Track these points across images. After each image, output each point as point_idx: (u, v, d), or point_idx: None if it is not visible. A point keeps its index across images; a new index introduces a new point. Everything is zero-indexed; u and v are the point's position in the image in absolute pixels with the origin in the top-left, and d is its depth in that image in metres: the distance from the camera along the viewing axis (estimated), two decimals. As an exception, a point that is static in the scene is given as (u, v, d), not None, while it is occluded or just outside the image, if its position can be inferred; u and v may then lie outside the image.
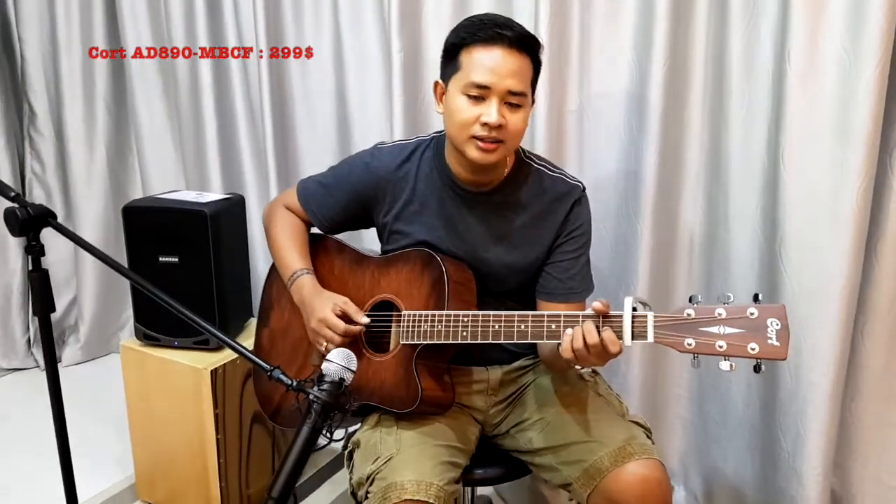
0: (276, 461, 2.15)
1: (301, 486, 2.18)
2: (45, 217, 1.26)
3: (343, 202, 1.54)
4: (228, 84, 2.44)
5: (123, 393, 2.04)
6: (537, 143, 1.86)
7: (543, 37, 1.76)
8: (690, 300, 1.17)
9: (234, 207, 2.04)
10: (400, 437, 1.39)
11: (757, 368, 1.12)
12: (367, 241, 1.89)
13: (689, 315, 1.15)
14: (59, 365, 2.74)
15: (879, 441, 1.73)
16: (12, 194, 1.29)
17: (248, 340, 1.78)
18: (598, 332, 1.19)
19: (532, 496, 2.06)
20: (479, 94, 1.30)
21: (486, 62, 1.29)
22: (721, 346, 1.12)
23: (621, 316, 1.18)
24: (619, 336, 1.18)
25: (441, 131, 1.45)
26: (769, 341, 1.10)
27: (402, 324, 1.39)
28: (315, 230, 1.62)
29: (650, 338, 1.17)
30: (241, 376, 1.95)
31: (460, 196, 1.45)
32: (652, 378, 1.95)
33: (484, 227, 1.46)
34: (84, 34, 2.69)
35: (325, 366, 1.08)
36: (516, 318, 1.28)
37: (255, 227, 2.34)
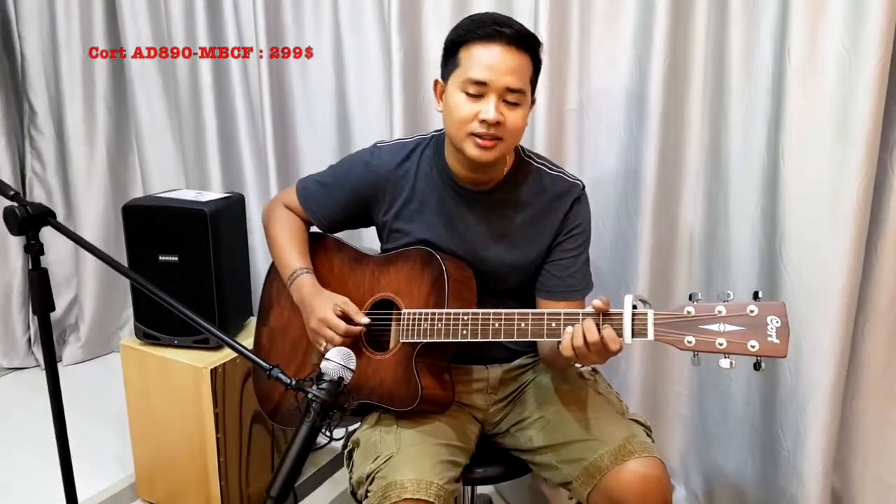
0: (276, 460, 2.15)
1: (301, 485, 2.18)
2: (44, 216, 1.26)
3: (342, 201, 1.54)
4: (228, 83, 2.44)
5: (123, 392, 2.04)
6: (537, 141, 1.86)
7: (543, 35, 1.76)
8: (690, 298, 1.17)
9: (234, 206, 2.04)
10: (400, 436, 1.39)
11: (757, 366, 1.12)
12: (367, 239, 1.89)
13: (689, 313, 1.15)
14: (59, 364, 2.77)
15: (880, 439, 1.73)
16: (11, 193, 1.29)
17: (247, 339, 1.78)
18: (599, 329, 1.19)
19: (532, 495, 2.06)
20: (478, 91, 1.30)
21: (485, 59, 1.29)
22: (721, 344, 1.12)
23: (621, 314, 1.18)
24: (620, 334, 1.18)
25: (441, 130, 1.45)
26: (769, 339, 1.10)
27: (401, 322, 1.39)
28: (315, 229, 1.62)
29: (650, 335, 1.17)
30: (240, 375, 1.95)
31: (460, 194, 1.45)
32: (652, 376, 1.95)
33: (484, 226, 1.46)
34: (84, 32, 2.69)
35: (324, 364, 1.08)
36: (516, 317, 1.28)
37: (255, 226, 2.34)
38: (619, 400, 1.50)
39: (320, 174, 1.59)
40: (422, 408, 1.38)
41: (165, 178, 2.71)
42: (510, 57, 1.29)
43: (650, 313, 1.17)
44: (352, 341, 1.42)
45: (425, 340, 1.36)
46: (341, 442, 1.49)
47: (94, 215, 2.86)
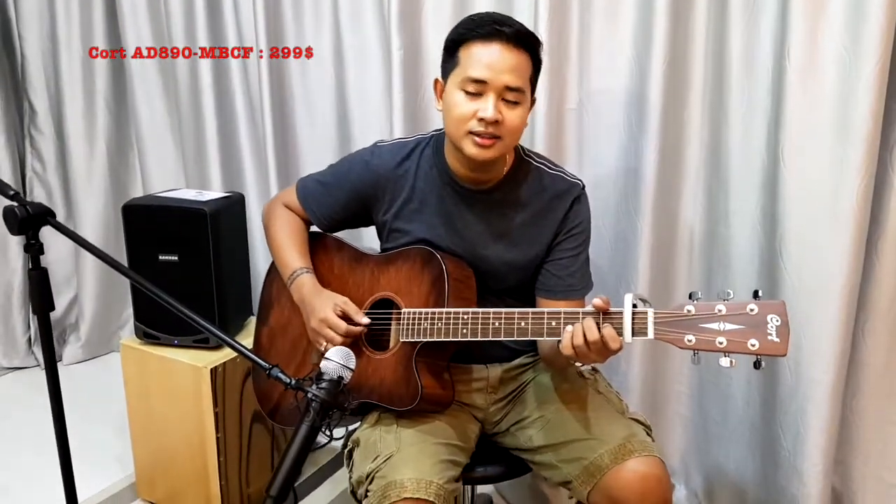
0: (276, 459, 2.15)
1: (301, 484, 2.18)
2: (43, 215, 1.27)
3: (342, 200, 1.54)
4: (228, 83, 2.44)
5: (123, 392, 2.04)
6: (537, 140, 1.86)
7: (543, 34, 1.76)
8: (690, 297, 1.17)
9: (234, 206, 2.04)
10: (400, 436, 1.39)
11: (757, 365, 1.12)
12: (367, 239, 1.89)
13: (689, 311, 1.15)
14: (59, 363, 2.77)
15: (880, 438, 1.73)
16: (11, 193, 1.29)
17: (247, 339, 1.78)
18: (599, 328, 1.19)
19: (532, 494, 2.06)
20: (477, 89, 1.30)
21: (484, 58, 1.29)
22: (721, 343, 1.12)
23: (621, 312, 1.18)
24: (620, 332, 1.18)
25: (441, 129, 1.45)
26: (769, 337, 1.10)
27: (401, 322, 1.39)
28: (314, 228, 1.62)
29: (650, 334, 1.17)
30: (240, 375, 1.95)
31: (460, 194, 1.45)
32: (652, 375, 1.95)
33: (483, 225, 1.46)
34: (84, 32, 2.69)
35: (323, 364, 1.08)
36: (516, 316, 1.28)
37: (255, 225, 2.34)
38: (619, 399, 1.50)
39: (320, 173, 1.59)
40: (422, 407, 1.38)
41: (165, 177, 2.71)
42: (509, 55, 1.29)
43: (650, 312, 1.17)
44: (352, 341, 1.42)
45: (425, 340, 1.36)
46: (341, 441, 1.49)
47: (94, 215, 2.86)
